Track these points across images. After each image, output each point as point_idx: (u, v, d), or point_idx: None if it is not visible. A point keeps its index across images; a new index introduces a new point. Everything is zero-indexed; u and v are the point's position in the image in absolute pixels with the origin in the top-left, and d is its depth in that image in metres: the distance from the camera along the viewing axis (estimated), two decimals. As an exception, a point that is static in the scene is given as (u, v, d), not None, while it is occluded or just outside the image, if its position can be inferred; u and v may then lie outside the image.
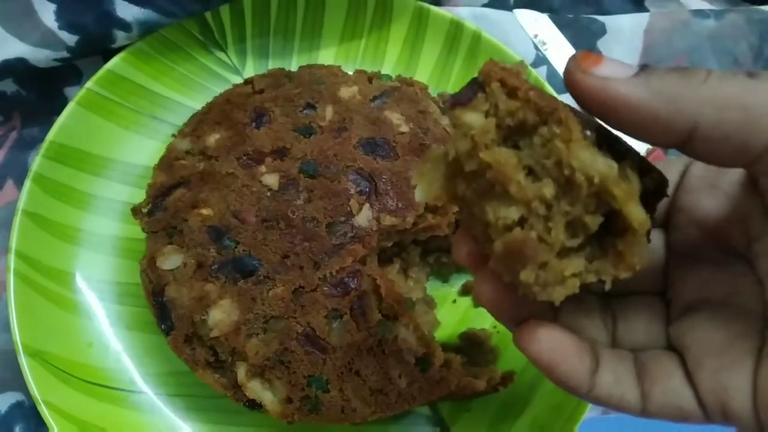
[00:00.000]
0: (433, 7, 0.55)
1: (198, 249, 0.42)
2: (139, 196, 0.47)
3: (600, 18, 0.60)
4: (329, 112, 0.47)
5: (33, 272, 0.46)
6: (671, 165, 0.30)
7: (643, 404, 0.27)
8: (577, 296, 0.26)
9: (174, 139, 0.48)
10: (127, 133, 0.52)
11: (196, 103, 0.52)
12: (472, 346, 0.48)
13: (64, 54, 0.48)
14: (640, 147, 0.56)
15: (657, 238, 0.30)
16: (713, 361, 0.25)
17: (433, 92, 0.52)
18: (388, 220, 0.43)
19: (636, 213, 0.23)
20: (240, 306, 0.41)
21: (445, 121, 0.49)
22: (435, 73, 0.57)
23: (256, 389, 0.40)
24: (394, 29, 0.56)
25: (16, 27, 0.47)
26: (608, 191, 0.23)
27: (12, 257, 0.45)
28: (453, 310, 0.51)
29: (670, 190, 0.28)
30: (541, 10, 0.60)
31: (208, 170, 0.45)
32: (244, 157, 0.45)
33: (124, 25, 0.48)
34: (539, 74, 0.54)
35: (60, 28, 0.47)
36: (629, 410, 0.27)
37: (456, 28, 0.55)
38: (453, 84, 0.56)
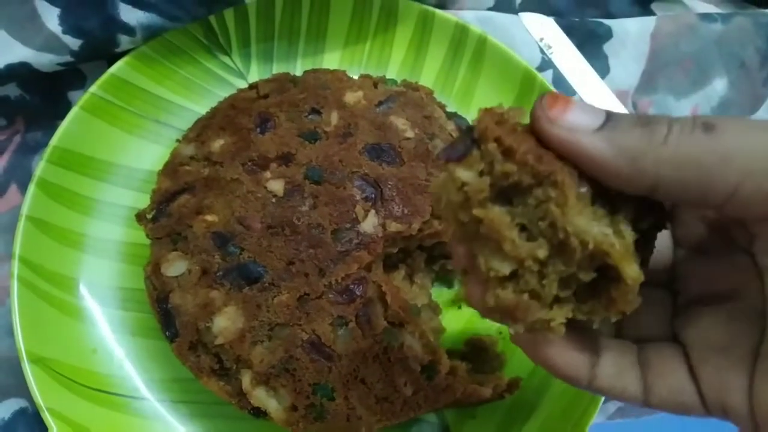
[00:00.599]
0: (438, 11, 0.55)
1: (203, 255, 0.42)
2: (144, 201, 0.46)
3: (606, 22, 0.59)
4: (334, 117, 0.47)
5: (36, 278, 0.46)
6: None
7: (645, 396, 0.27)
8: None
9: (178, 145, 0.48)
10: (131, 137, 0.51)
11: (201, 107, 0.52)
12: (477, 352, 0.48)
13: (68, 58, 0.48)
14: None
15: (663, 232, 0.30)
16: (716, 359, 0.26)
17: (438, 97, 0.52)
18: (393, 227, 0.43)
19: (629, 270, 0.23)
20: (245, 313, 0.40)
21: (450, 126, 0.49)
22: (440, 77, 0.56)
23: (261, 397, 0.40)
24: (399, 33, 0.56)
25: (19, 31, 0.47)
26: (603, 253, 0.23)
27: (16, 263, 0.45)
28: (458, 316, 0.50)
29: None
30: (547, 13, 0.60)
31: (213, 176, 0.44)
32: (249, 163, 0.45)
33: (128, 30, 0.48)
34: (545, 78, 0.54)
35: (64, 32, 0.47)
36: (631, 402, 0.27)
37: (461, 32, 0.55)
38: (458, 88, 0.56)
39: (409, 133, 0.46)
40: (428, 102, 0.49)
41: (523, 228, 0.24)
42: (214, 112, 0.49)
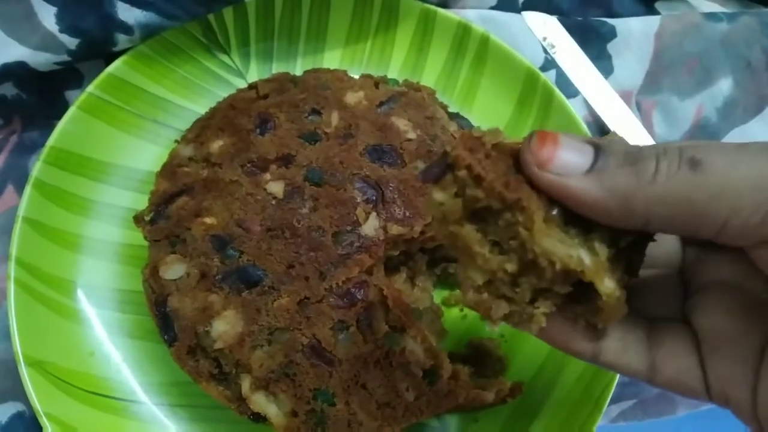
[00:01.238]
0: (440, 10, 0.54)
1: (201, 259, 0.41)
2: (142, 202, 0.46)
3: (610, 21, 0.59)
4: (335, 118, 0.46)
5: (33, 280, 0.45)
6: None
7: (650, 374, 0.28)
8: None
9: (177, 146, 0.47)
10: (129, 137, 0.51)
11: (199, 106, 0.52)
12: (480, 355, 0.47)
13: (65, 57, 0.48)
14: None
15: None
16: (724, 351, 0.26)
17: (440, 97, 0.52)
18: (395, 230, 0.42)
19: (602, 287, 0.25)
20: (244, 317, 0.40)
21: (453, 127, 0.48)
22: (442, 77, 0.56)
23: (260, 402, 0.39)
24: (401, 32, 0.55)
25: (16, 30, 0.47)
26: (573, 272, 0.24)
27: (12, 265, 0.44)
28: (460, 318, 0.50)
29: None
30: (550, 12, 0.59)
31: (212, 177, 0.44)
32: (249, 165, 0.44)
33: (126, 28, 0.47)
34: (548, 78, 0.53)
35: (61, 31, 0.46)
36: (636, 377, 0.28)
37: (463, 31, 0.54)
38: (460, 88, 0.55)
39: (411, 134, 0.46)
40: (430, 102, 0.49)
41: (496, 243, 0.26)
42: (213, 113, 0.48)
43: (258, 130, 0.46)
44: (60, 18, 0.46)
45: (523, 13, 0.59)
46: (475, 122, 0.50)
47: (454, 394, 0.40)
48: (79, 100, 0.48)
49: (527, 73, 0.53)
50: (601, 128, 0.57)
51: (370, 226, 0.42)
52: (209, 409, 0.45)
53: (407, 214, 0.43)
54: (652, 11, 0.62)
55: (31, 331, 0.44)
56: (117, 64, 0.49)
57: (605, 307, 0.25)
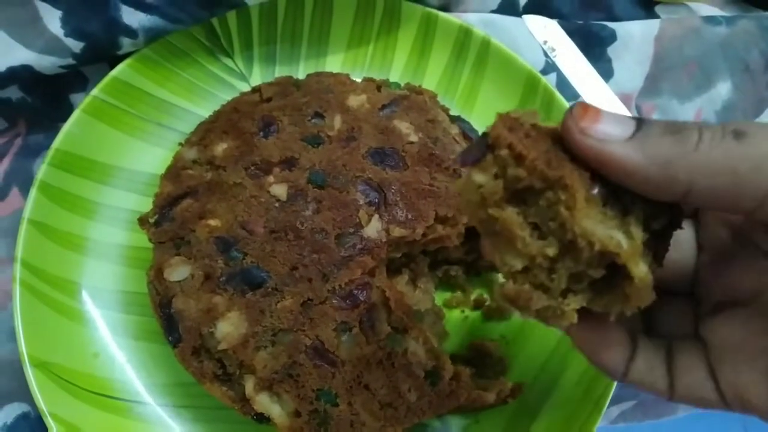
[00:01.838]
0: (441, 13, 0.55)
1: (206, 260, 0.42)
2: (146, 204, 0.46)
3: (610, 24, 0.59)
4: (338, 121, 0.46)
5: (39, 282, 0.46)
6: None
7: (670, 391, 0.29)
8: None
9: (181, 149, 0.47)
10: (133, 140, 0.51)
11: (203, 110, 0.52)
12: (481, 357, 0.48)
13: (70, 61, 0.48)
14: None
15: (688, 235, 0.31)
16: (732, 357, 0.27)
17: (441, 100, 0.52)
18: (397, 232, 0.43)
19: (636, 270, 0.24)
20: (248, 318, 0.40)
21: (454, 130, 0.48)
22: (443, 81, 0.56)
23: (264, 402, 0.40)
24: (402, 36, 0.56)
25: (21, 34, 0.47)
26: (610, 254, 0.24)
27: (18, 266, 0.45)
28: (462, 320, 0.50)
29: None
30: (551, 16, 0.60)
31: (216, 180, 0.44)
32: (252, 167, 0.44)
33: (130, 32, 0.48)
34: (549, 81, 0.53)
35: (66, 34, 0.47)
36: (659, 395, 0.29)
37: (464, 35, 0.55)
38: (461, 91, 0.56)
39: (413, 137, 0.46)
40: (432, 105, 0.49)
41: (536, 226, 0.25)
42: (217, 116, 0.48)
43: (261, 134, 0.46)
44: (65, 22, 0.46)
45: (524, 16, 0.59)
46: (476, 125, 0.51)
47: (456, 394, 0.40)
48: (83, 103, 0.48)
49: (528, 76, 0.53)
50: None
51: (373, 229, 0.42)
52: (213, 410, 0.46)
53: (409, 216, 0.43)
54: (652, 15, 0.63)
55: (37, 332, 0.44)
56: (121, 67, 0.49)
57: (635, 293, 0.25)
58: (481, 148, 0.25)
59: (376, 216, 0.43)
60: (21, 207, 0.47)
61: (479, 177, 0.26)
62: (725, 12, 0.63)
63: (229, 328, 0.40)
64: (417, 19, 0.55)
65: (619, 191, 0.25)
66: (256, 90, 0.50)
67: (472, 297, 0.50)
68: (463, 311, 0.50)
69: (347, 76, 0.51)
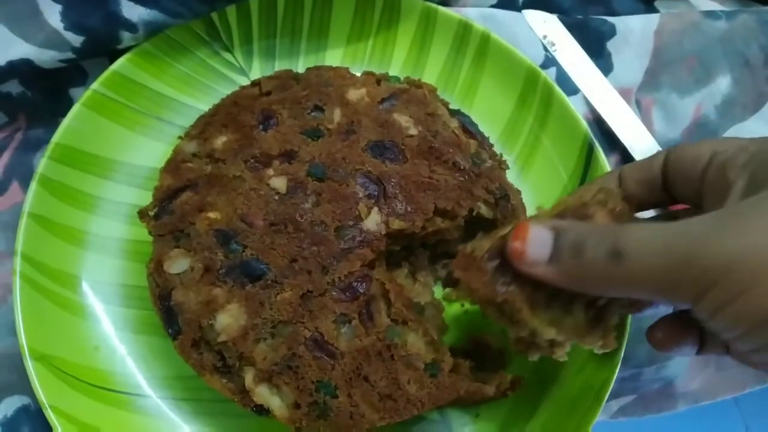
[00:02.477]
0: (441, 8, 0.55)
1: (205, 253, 0.42)
2: (146, 198, 0.46)
3: (610, 19, 0.59)
4: (337, 114, 0.47)
5: (39, 275, 0.46)
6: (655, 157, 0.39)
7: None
8: None
9: (180, 142, 0.47)
10: (132, 134, 0.51)
11: (203, 104, 0.52)
12: (480, 350, 0.48)
13: (70, 55, 0.48)
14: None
15: None
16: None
17: (441, 94, 0.52)
18: (396, 224, 0.43)
19: (583, 343, 0.35)
20: (248, 310, 0.40)
21: (454, 123, 0.48)
22: (443, 75, 0.56)
23: (263, 394, 0.40)
24: (402, 30, 0.56)
25: (21, 28, 0.47)
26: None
27: (18, 260, 0.45)
28: (461, 313, 0.50)
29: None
30: (550, 10, 0.60)
31: (215, 173, 0.44)
32: (252, 160, 0.44)
33: (130, 26, 0.48)
34: (549, 76, 0.53)
35: (65, 28, 0.47)
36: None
37: (464, 29, 0.55)
38: (461, 85, 0.56)
39: (413, 131, 0.46)
40: (431, 99, 0.49)
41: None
42: (216, 109, 0.48)
43: (261, 127, 0.46)
44: (65, 16, 0.47)
45: (524, 11, 0.59)
46: (475, 119, 0.51)
47: (455, 386, 0.40)
48: (83, 97, 0.48)
49: (528, 70, 0.53)
50: (600, 125, 0.57)
51: (372, 221, 0.42)
52: (213, 403, 0.46)
53: (409, 209, 0.43)
54: (652, 9, 0.63)
55: (37, 325, 0.44)
56: (121, 61, 0.50)
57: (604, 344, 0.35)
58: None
59: (376, 209, 0.43)
60: (21, 201, 0.47)
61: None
62: (725, 7, 0.63)
63: (228, 320, 0.40)
64: (417, 14, 0.55)
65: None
66: (255, 83, 0.50)
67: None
68: (462, 305, 0.50)
69: (347, 69, 0.51)
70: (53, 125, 0.48)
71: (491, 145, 0.49)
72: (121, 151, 0.51)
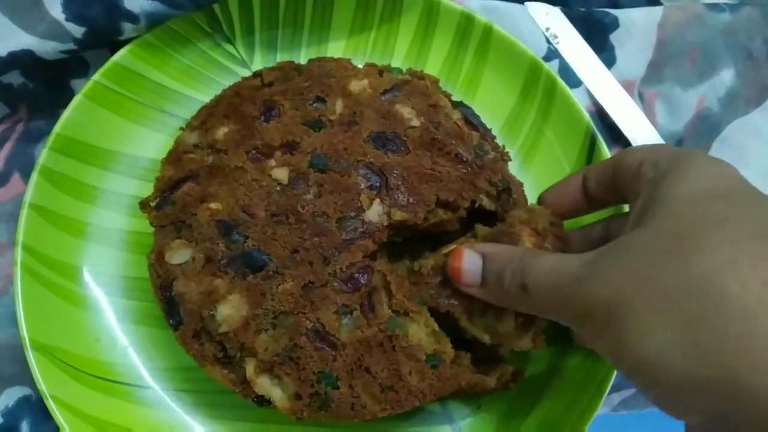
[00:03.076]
0: (443, 0, 0.54)
1: (207, 243, 0.42)
2: (147, 189, 0.46)
3: (613, 11, 0.59)
4: (339, 105, 0.46)
5: (40, 266, 0.46)
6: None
7: None
8: None
9: (182, 133, 0.47)
10: (134, 126, 0.51)
11: (204, 96, 0.52)
12: (482, 341, 0.47)
13: (71, 46, 0.48)
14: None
15: None
16: None
17: (443, 85, 0.52)
18: (398, 215, 0.42)
19: (517, 346, 0.41)
20: (249, 301, 0.40)
21: (456, 115, 0.48)
22: (445, 66, 0.56)
23: (265, 385, 0.40)
24: (404, 21, 0.56)
25: (22, 18, 0.47)
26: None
27: (19, 251, 0.45)
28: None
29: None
30: (553, 3, 0.59)
31: (217, 164, 0.44)
32: (254, 151, 0.44)
33: (132, 17, 0.48)
34: (551, 68, 0.53)
35: (67, 19, 0.46)
36: None
37: (467, 21, 0.54)
38: (463, 77, 0.56)
39: (415, 122, 0.46)
40: (434, 91, 0.49)
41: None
42: (218, 100, 0.48)
43: (263, 118, 0.46)
44: (66, 6, 0.46)
45: (527, 3, 0.59)
46: (478, 111, 0.50)
47: (457, 378, 0.40)
48: (84, 88, 0.48)
49: (530, 63, 0.53)
50: (603, 118, 0.57)
51: (374, 212, 0.42)
52: (214, 394, 0.46)
53: (411, 200, 0.43)
54: (655, 2, 0.62)
55: (38, 316, 0.44)
56: (122, 53, 0.49)
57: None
58: None
59: (378, 200, 0.43)
60: (22, 192, 0.47)
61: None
62: (728, -1, 0.62)
63: (230, 310, 0.40)
64: (419, 6, 0.55)
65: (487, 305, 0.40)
66: (257, 75, 0.49)
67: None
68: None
69: (349, 60, 0.50)
70: (54, 116, 0.48)
71: (494, 137, 0.49)
72: (122, 142, 0.51)
